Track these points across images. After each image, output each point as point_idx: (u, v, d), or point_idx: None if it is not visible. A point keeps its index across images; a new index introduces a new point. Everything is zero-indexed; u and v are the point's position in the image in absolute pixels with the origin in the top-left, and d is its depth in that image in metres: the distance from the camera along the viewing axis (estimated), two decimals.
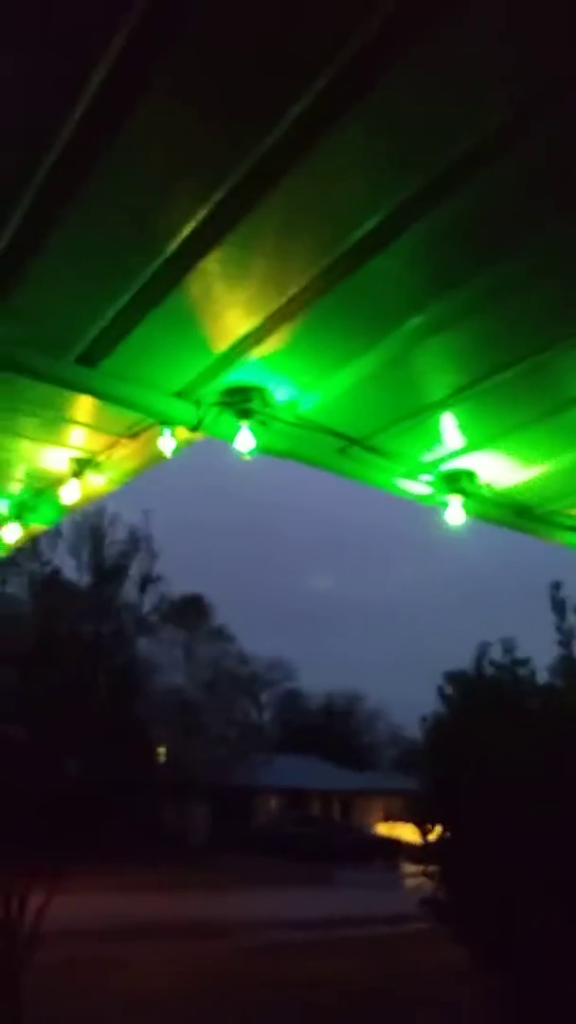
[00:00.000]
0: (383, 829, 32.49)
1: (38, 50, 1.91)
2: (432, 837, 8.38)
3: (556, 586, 8.05)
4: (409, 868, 14.87)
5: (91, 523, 34.35)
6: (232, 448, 3.13)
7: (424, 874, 8.50)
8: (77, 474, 4.10)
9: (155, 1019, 8.13)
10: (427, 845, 8.44)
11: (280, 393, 3.13)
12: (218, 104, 2.03)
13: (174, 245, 2.41)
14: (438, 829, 8.35)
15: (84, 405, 3.45)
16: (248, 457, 3.12)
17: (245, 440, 3.08)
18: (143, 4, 1.76)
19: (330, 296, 2.63)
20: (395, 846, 26.82)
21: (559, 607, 8.02)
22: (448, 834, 8.22)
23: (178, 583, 36.82)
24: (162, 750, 35.29)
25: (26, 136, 2.12)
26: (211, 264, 2.48)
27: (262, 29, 1.85)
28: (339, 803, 39.34)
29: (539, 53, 1.90)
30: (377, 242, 2.43)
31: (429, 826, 8.32)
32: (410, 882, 8.90)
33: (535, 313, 2.77)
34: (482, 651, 8.72)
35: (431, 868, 8.30)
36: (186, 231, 2.36)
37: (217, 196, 2.25)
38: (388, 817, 33.51)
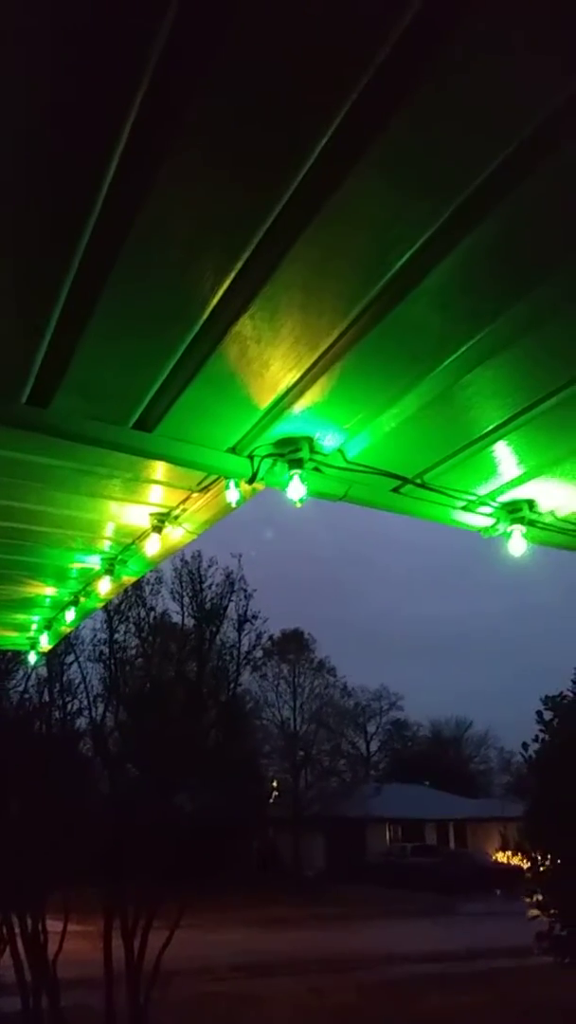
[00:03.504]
0: (501, 857, 31.47)
1: (59, 138, 2.00)
2: (543, 867, 8.16)
3: None
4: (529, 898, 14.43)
5: (190, 568, 35.52)
6: (285, 496, 3.23)
7: (538, 906, 8.26)
8: (158, 528, 4.31)
9: None
10: (537, 875, 8.22)
11: (328, 440, 3.21)
12: (232, 168, 2.07)
13: (206, 313, 2.52)
14: (548, 858, 8.12)
15: (155, 465, 3.62)
16: (300, 504, 3.21)
17: (296, 489, 3.17)
18: (151, 78, 1.82)
19: (363, 345, 2.68)
20: (514, 874, 25.95)
21: None
22: (559, 863, 7.99)
23: (278, 619, 37.48)
24: (275, 783, 35.41)
25: (58, 221, 2.24)
26: (243, 327, 2.57)
27: (268, 87, 1.87)
28: (454, 831, 38.38)
29: (550, 75, 1.86)
30: (403, 286, 2.45)
31: (537, 855, 8.11)
32: (532, 912, 8.62)
33: (574, 337, 2.73)
34: None
35: (543, 899, 8.07)
36: (215, 299, 2.46)
37: (239, 263, 2.33)
38: (505, 845, 32.46)
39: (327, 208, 2.18)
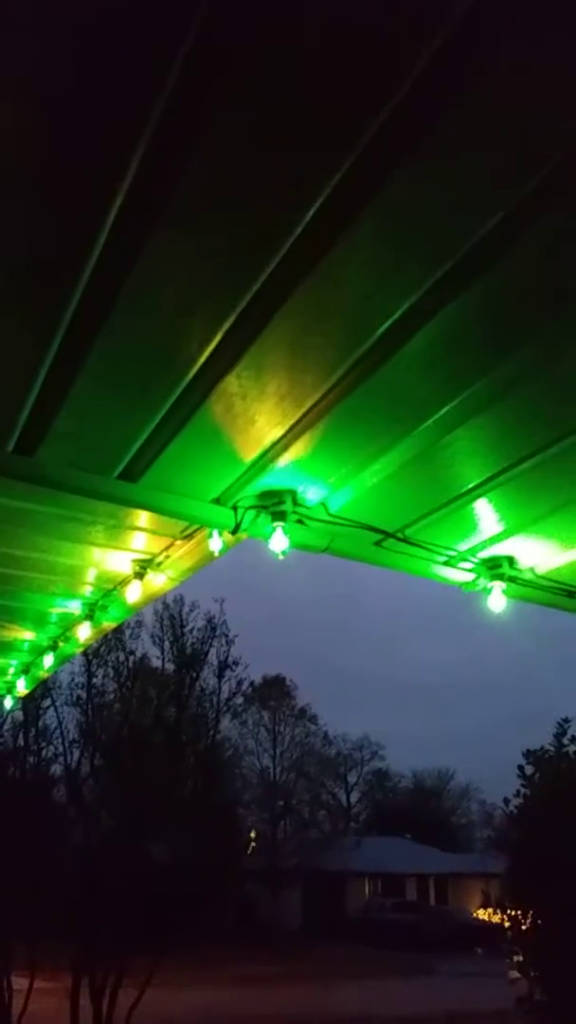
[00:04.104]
0: (483, 915, 30.89)
1: (55, 194, 2.05)
2: (523, 927, 8.01)
3: None
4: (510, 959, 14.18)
5: (171, 612, 35.38)
6: (268, 548, 3.24)
7: (518, 968, 8.08)
8: (140, 575, 4.31)
9: None
10: (517, 935, 8.06)
11: (311, 494, 3.24)
12: (225, 232, 2.12)
13: (193, 370, 2.57)
14: (529, 918, 7.98)
15: (139, 512, 3.63)
16: (282, 556, 3.22)
17: (278, 541, 3.19)
18: (147, 142, 1.86)
19: (347, 403, 2.72)
20: (496, 933, 25.45)
21: None
22: (540, 923, 7.85)
23: (261, 664, 37.27)
24: (253, 835, 34.79)
25: (51, 278, 2.28)
26: (229, 385, 2.62)
27: (260, 154, 1.91)
28: (434, 887, 37.66)
29: (540, 141, 1.90)
30: (387, 349, 2.50)
31: (516, 914, 7.96)
32: (514, 973, 8.42)
33: (557, 397, 2.77)
34: (562, 728, 8.44)
35: (523, 960, 7.90)
36: (203, 357, 2.50)
37: (228, 323, 2.38)
38: (487, 902, 31.88)
39: (315, 273, 2.23)
